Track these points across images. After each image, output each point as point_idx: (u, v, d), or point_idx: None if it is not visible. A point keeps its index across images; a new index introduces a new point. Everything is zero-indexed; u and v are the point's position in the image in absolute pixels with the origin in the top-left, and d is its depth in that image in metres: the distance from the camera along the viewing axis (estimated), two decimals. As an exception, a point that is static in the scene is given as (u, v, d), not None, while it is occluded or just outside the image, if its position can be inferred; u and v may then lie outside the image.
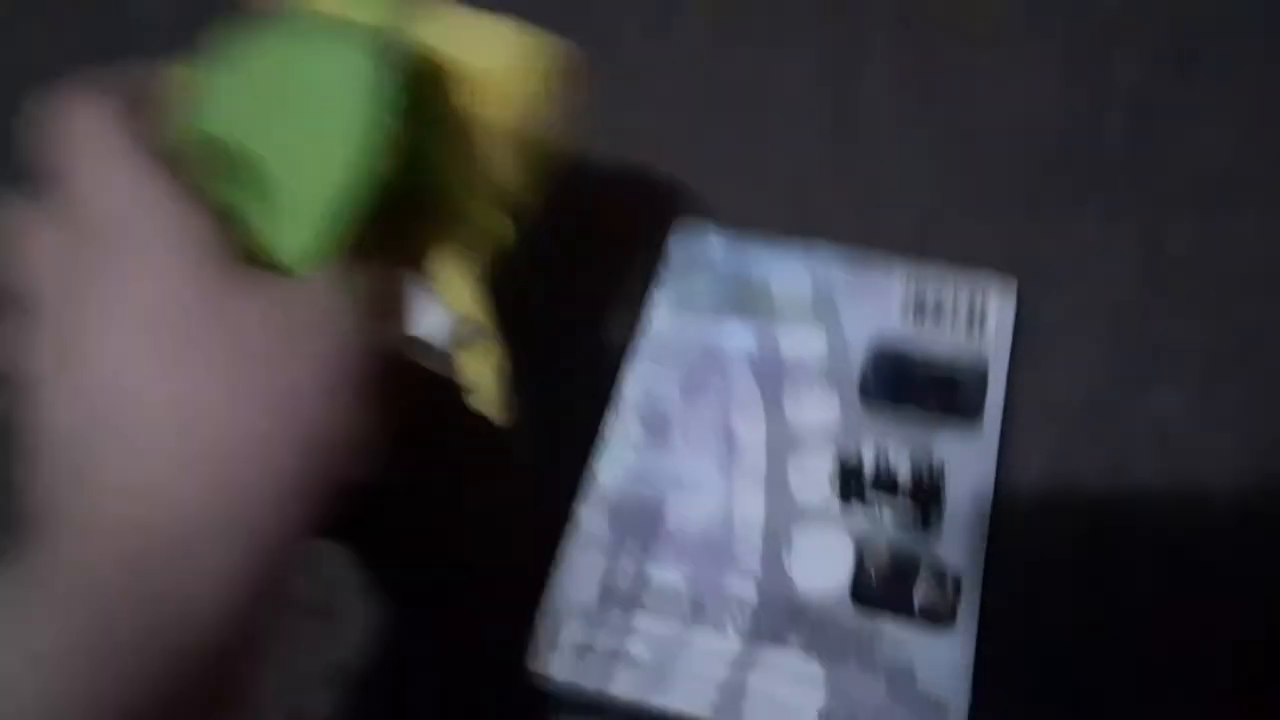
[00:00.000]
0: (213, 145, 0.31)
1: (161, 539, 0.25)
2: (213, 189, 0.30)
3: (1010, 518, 0.40)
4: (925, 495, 0.40)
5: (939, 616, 0.37)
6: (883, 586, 0.38)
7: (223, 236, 0.29)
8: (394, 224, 0.33)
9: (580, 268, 0.47)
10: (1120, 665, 0.37)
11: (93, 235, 0.28)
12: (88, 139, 0.29)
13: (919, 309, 0.44)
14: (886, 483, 0.40)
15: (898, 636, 0.37)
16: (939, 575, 0.38)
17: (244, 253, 0.29)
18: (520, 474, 0.42)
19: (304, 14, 0.33)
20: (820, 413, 0.42)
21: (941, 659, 0.37)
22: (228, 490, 0.26)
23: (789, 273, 0.46)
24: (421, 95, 0.32)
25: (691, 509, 0.40)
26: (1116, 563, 0.39)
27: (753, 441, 0.41)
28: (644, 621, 0.38)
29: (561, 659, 0.38)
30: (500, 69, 0.34)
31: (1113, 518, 0.40)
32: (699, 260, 0.46)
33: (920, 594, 0.38)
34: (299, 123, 0.31)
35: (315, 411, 0.28)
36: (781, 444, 0.41)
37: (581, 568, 0.39)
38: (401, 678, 0.39)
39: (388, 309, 0.33)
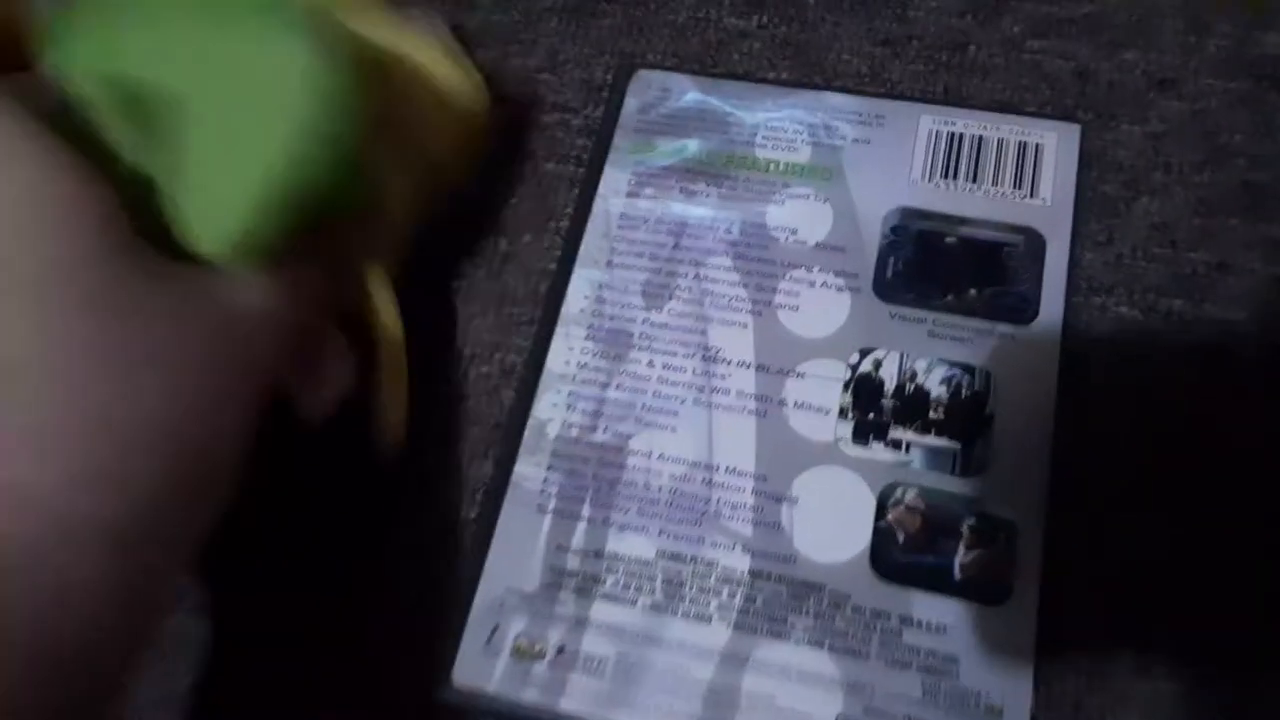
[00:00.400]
0: (118, 90, 0.26)
1: (14, 546, 0.21)
2: (109, 147, 0.26)
3: (1082, 450, 0.30)
4: (967, 424, 0.30)
5: (988, 589, 0.29)
6: (913, 551, 0.29)
7: (122, 208, 0.24)
8: (323, 236, 0.28)
9: (505, 144, 0.37)
10: (1236, 645, 0.28)
11: None
12: None
13: (951, 169, 0.34)
14: (915, 409, 0.31)
15: (934, 618, 0.28)
16: (987, 534, 0.29)
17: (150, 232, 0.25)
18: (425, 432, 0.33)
19: None
20: (825, 315, 0.32)
21: (993, 645, 0.28)
22: (101, 492, 0.22)
23: (780, 127, 0.35)
24: (362, 95, 0.27)
25: (662, 455, 0.31)
26: (1226, 503, 0.30)
27: (738, 358, 0.32)
28: (603, 611, 0.29)
29: (495, 668, 0.29)
30: (433, 80, 0.31)
31: (1221, 439, 0.30)
32: (662, 117, 0.36)
33: (963, 560, 0.29)
34: (231, 86, 0.26)
35: (207, 420, 0.24)
36: (776, 360, 0.32)
37: (520, 543, 0.30)
38: (285, 702, 0.30)
39: (311, 331, 0.29)
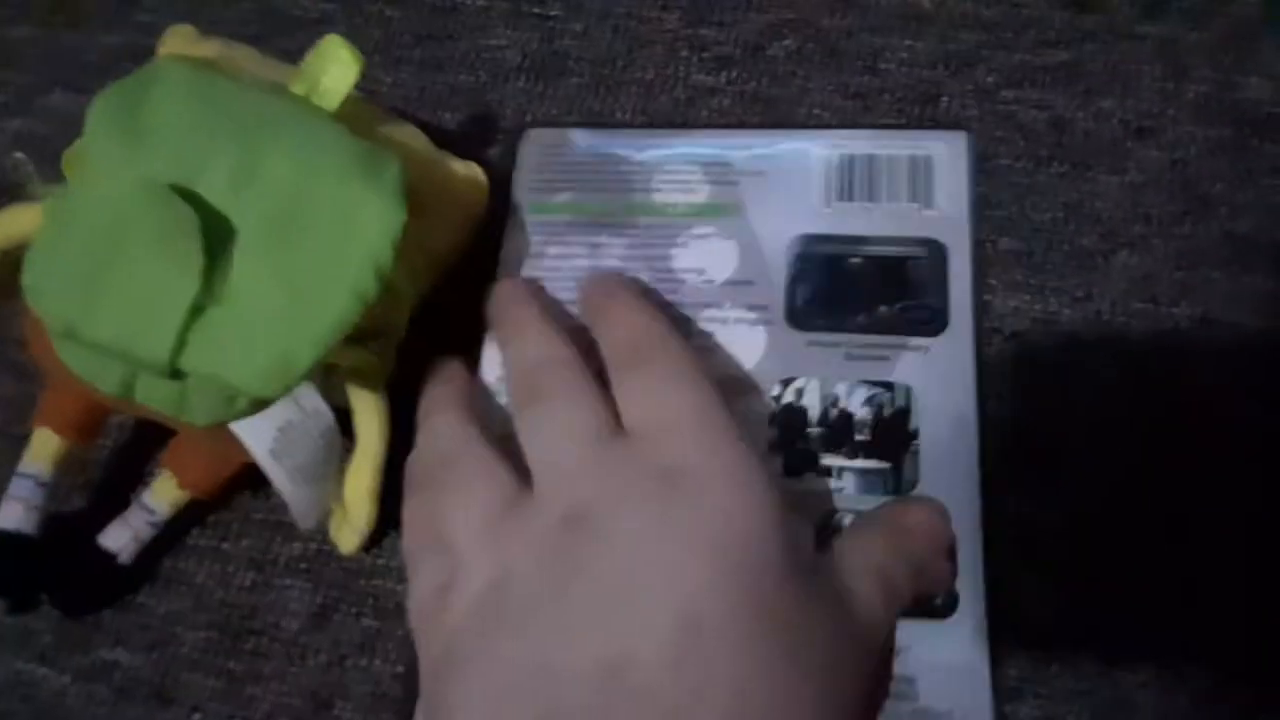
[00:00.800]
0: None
1: None
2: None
3: (1008, 453, 0.29)
4: (893, 441, 0.29)
5: (933, 605, 0.28)
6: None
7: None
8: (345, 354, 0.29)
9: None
10: (1183, 638, 0.28)
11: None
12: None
13: (848, 190, 0.33)
14: (841, 434, 0.29)
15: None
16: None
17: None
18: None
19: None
20: (742, 352, 0.31)
21: (945, 660, 0.27)
22: None
23: (675, 169, 0.34)
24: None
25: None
26: (1159, 485, 0.29)
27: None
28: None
29: None
30: (446, 199, 0.32)
31: (1142, 420, 0.30)
32: (558, 172, 0.35)
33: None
34: (311, 244, 0.27)
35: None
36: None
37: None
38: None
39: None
